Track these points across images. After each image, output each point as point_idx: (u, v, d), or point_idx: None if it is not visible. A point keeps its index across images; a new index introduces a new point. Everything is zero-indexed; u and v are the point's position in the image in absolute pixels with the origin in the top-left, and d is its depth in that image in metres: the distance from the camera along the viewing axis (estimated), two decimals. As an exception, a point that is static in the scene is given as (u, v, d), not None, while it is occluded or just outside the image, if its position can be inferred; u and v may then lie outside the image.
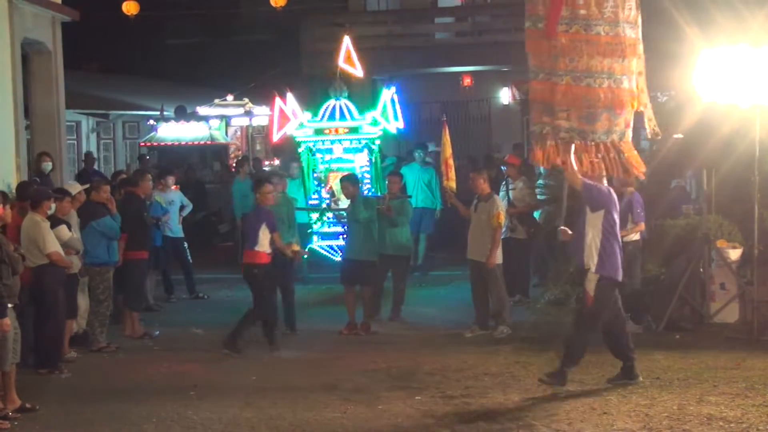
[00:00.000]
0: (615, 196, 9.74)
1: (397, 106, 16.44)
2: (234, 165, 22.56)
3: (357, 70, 16.81)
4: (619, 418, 8.64)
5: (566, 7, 9.30)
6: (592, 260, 9.57)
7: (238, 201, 17.79)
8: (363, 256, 12.79)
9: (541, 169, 15.97)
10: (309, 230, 16.41)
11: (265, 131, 27.19)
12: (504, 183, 14.68)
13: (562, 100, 9.36)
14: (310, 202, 16.64)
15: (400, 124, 16.61)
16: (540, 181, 15.79)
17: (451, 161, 13.51)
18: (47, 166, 15.55)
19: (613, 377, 9.86)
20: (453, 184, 13.38)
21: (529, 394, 9.54)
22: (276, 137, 16.95)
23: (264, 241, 11.87)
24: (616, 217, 9.69)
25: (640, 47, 9.56)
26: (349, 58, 16.80)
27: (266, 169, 21.52)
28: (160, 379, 10.65)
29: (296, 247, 12.63)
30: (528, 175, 15.76)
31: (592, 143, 9.47)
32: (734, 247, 12.60)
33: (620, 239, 9.75)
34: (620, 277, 9.72)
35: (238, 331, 11.81)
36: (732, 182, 12.80)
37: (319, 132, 16.63)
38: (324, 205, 16.39)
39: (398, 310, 13.58)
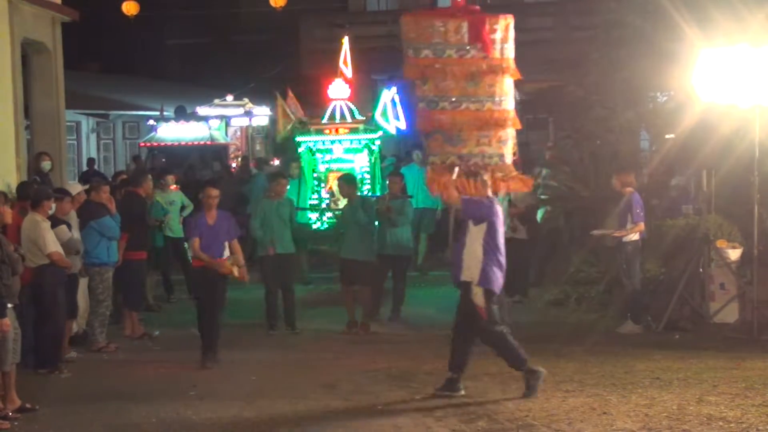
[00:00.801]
0: (498, 207, 9.56)
1: (398, 107, 16.46)
2: (255, 163, 22.66)
3: (348, 71, 16.84)
4: (619, 418, 8.65)
5: (443, 35, 9.28)
6: (475, 273, 9.43)
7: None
8: (361, 257, 12.80)
9: (544, 170, 16.01)
10: (308, 230, 16.41)
11: (265, 131, 27.23)
12: None
13: (485, 126, 9.36)
14: (310, 202, 16.65)
15: (402, 125, 16.63)
16: (539, 181, 15.81)
17: None
18: (46, 165, 15.55)
19: (440, 387, 9.61)
20: None
21: (529, 394, 9.54)
22: (280, 137, 17.00)
23: (192, 247, 11.45)
24: (500, 228, 9.53)
25: None
26: (344, 61, 16.86)
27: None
28: (160, 379, 10.65)
29: (235, 270, 11.35)
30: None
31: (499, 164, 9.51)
32: (734, 247, 12.61)
33: (503, 252, 9.51)
34: (498, 290, 9.53)
35: (207, 346, 11.23)
36: (731, 183, 12.80)
37: (319, 132, 16.65)
38: (323, 205, 16.40)
39: (398, 310, 13.59)
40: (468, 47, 9.27)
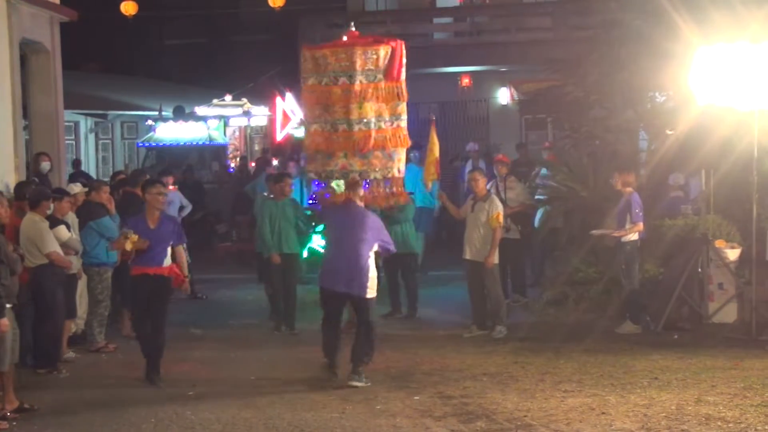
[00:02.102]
0: (341, 213, 10.27)
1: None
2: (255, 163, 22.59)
3: None
4: (618, 418, 8.65)
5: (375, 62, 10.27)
6: None
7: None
8: None
9: (543, 170, 16.01)
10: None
11: (263, 131, 27.17)
12: (494, 182, 14.52)
13: (374, 144, 10.23)
14: (309, 201, 16.62)
15: None
16: (538, 181, 15.80)
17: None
18: (45, 166, 15.54)
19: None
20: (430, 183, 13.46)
21: (528, 394, 9.54)
22: (279, 137, 16.99)
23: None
24: (334, 231, 10.32)
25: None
26: None
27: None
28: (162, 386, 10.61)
29: (128, 244, 10.23)
30: (524, 175, 15.77)
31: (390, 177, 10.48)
32: (732, 247, 12.60)
33: (328, 253, 10.32)
34: (324, 284, 10.28)
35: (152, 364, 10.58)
36: (730, 183, 12.80)
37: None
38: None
39: (414, 308, 13.75)
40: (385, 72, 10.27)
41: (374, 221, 10.24)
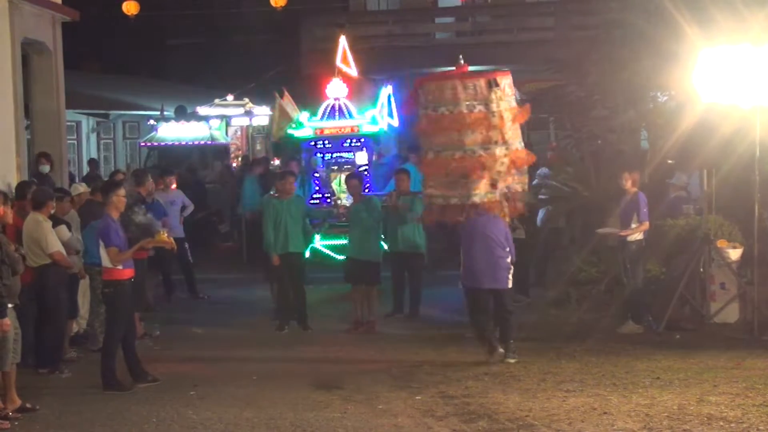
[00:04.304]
0: (478, 222, 11.08)
1: (393, 104, 16.48)
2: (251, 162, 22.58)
3: (351, 70, 16.84)
4: (620, 418, 8.65)
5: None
6: None
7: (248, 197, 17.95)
8: (364, 256, 12.80)
9: (544, 169, 16.01)
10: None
11: (265, 131, 27.19)
12: None
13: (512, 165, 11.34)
14: (311, 201, 16.65)
15: (395, 122, 16.64)
16: (537, 181, 15.79)
17: None
18: (44, 168, 15.59)
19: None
20: None
21: (530, 394, 9.54)
22: (277, 136, 16.99)
23: (107, 257, 10.40)
24: (472, 237, 11.17)
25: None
26: (345, 59, 16.85)
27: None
28: (160, 378, 10.63)
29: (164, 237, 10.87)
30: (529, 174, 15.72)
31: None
32: (734, 247, 12.59)
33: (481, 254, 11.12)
34: (468, 283, 11.30)
35: (105, 367, 10.28)
36: (732, 182, 12.79)
37: (318, 130, 16.66)
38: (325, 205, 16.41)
39: (417, 308, 13.66)
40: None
41: (502, 227, 11.27)
